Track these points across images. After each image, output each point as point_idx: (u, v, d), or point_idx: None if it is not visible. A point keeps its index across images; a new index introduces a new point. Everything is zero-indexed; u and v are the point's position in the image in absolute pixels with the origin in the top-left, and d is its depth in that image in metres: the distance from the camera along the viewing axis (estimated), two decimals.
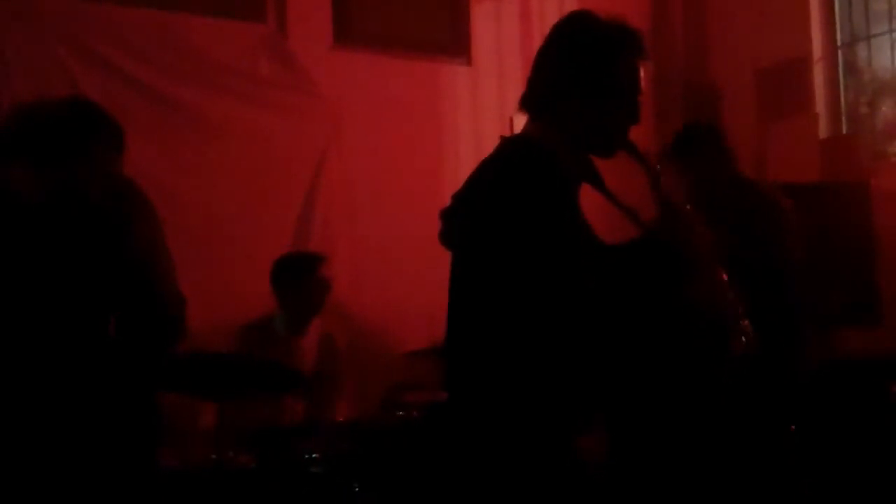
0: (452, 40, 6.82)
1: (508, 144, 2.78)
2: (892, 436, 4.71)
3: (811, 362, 4.56)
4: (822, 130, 6.68)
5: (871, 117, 6.73)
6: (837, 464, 4.53)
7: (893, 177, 6.17)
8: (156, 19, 5.76)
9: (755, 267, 4.38)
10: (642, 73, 2.76)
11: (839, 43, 6.80)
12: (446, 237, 2.77)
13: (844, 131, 6.76)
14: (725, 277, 2.82)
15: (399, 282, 6.09)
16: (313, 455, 4.41)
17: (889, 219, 5.89)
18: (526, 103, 2.80)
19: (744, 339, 2.85)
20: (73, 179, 3.14)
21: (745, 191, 4.65)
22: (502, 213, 2.56)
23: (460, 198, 2.73)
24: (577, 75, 2.70)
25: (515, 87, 6.87)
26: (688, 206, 2.77)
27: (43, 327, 3.04)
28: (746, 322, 2.85)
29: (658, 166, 2.80)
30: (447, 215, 2.77)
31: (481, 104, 6.72)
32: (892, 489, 4.65)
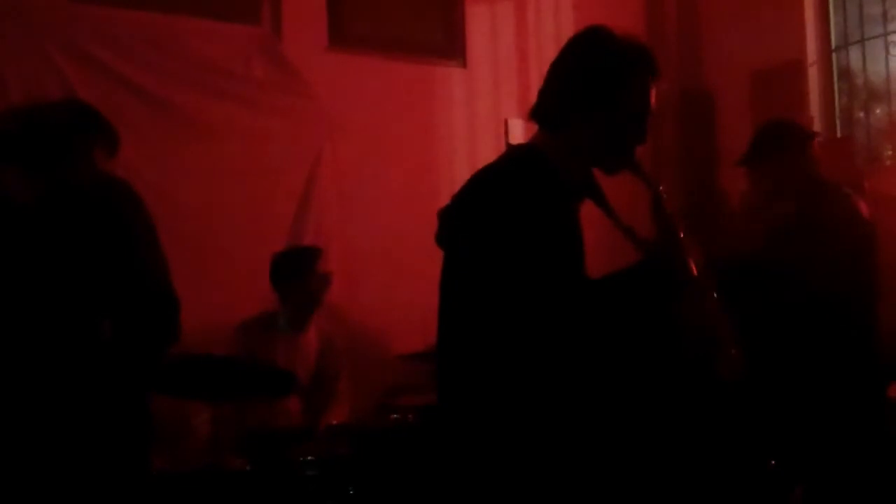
0: (447, 42, 6.82)
1: (514, 152, 2.79)
2: (889, 439, 4.71)
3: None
4: None
5: (864, 120, 6.74)
6: (833, 468, 4.52)
7: (887, 180, 6.18)
8: (150, 21, 5.75)
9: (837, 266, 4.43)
10: (654, 94, 2.77)
11: (833, 46, 6.82)
12: (442, 238, 2.77)
13: (838, 134, 6.77)
14: (718, 303, 2.83)
15: (394, 284, 6.08)
16: (308, 458, 4.40)
17: (882, 222, 5.88)
18: (536, 114, 2.80)
19: (734, 365, 2.85)
20: (67, 181, 3.14)
21: (831, 196, 4.68)
22: (499, 219, 2.57)
23: (459, 199, 2.73)
24: (590, 91, 2.70)
25: (510, 90, 6.96)
26: (683, 230, 2.77)
27: (36, 328, 3.04)
28: (737, 349, 2.85)
29: (661, 187, 2.81)
30: (445, 216, 2.77)
31: (476, 106, 6.71)
32: (890, 493, 4.65)
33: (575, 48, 2.79)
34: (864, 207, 4.73)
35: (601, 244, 2.80)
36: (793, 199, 4.68)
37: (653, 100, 2.76)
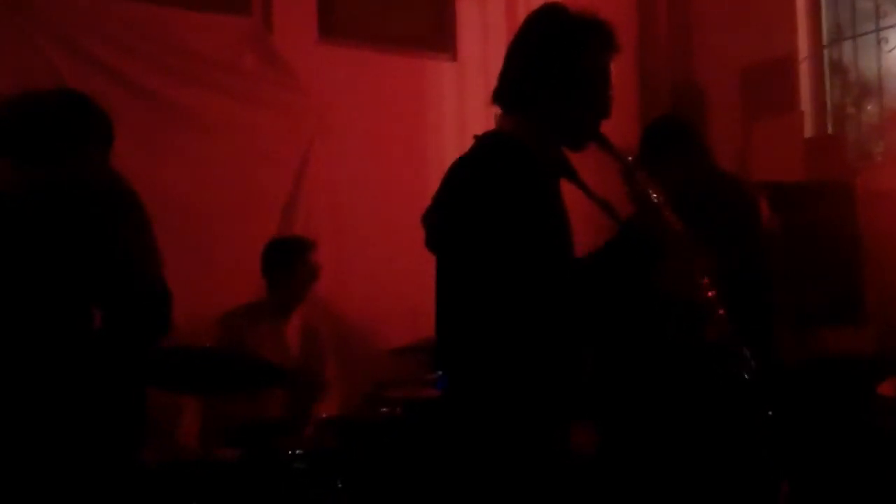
0: (438, 35, 6.82)
1: (482, 142, 2.77)
2: (878, 436, 4.72)
3: (786, 361, 4.53)
4: (808, 129, 6.69)
5: (856, 116, 6.75)
6: (822, 464, 4.53)
7: (878, 176, 6.18)
8: (140, 12, 5.73)
9: (731, 266, 4.35)
10: (613, 67, 2.76)
11: (825, 42, 6.81)
12: (432, 241, 2.75)
13: (830, 130, 6.77)
14: (701, 265, 2.83)
15: (383, 277, 6.07)
16: (297, 451, 4.39)
17: (874, 218, 5.89)
18: (498, 97, 2.80)
19: (718, 326, 2.86)
20: (63, 173, 3.12)
21: (721, 189, 4.57)
22: (481, 212, 2.56)
23: (438, 200, 2.72)
24: (547, 68, 2.70)
25: None
26: (659, 197, 2.76)
27: (28, 321, 3.02)
28: (722, 311, 2.86)
29: (630, 158, 2.80)
30: (428, 219, 2.75)
31: (466, 99, 6.70)
32: (878, 489, 4.66)
33: (529, 28, 2.80)
34: (754, 191, 4.61)
35: (577, 221, 2.79)
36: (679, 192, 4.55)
37: (612, 72, 2.76)
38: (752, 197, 4.55)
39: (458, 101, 6.73)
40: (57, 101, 3.25)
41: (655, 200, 2.72)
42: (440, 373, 2.83)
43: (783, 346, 4.56)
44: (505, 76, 2.80)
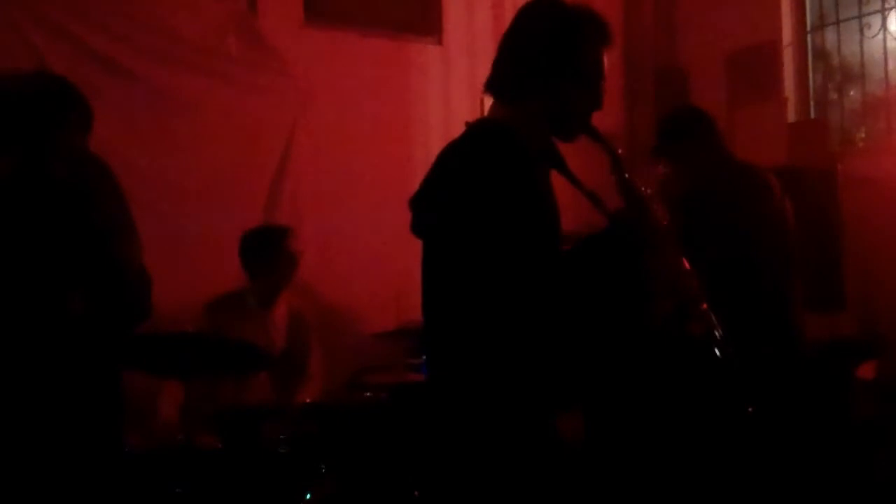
0: (423, 19, 6.80)
1: (474, 129, 2.77)
2: (856, 420, 4.74)
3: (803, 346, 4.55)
4: (791, 115, 6.71)
5: (839, 102, 6.77)
6: (800, 448, 4.55)
7: (860, 162, 6.21)
8: None
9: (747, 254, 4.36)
10: (606, 60, 2.77)
11: (809, 27, 6.83)
12: (418, 226, 2.75)
13: (812, 116, 6.79)
14: (685, 261, 2.85)
15: (366, 261, 6.07)
16: (280, 436, 4.40)
17: (855, 204, 5.92)
18: (491, 86, 2.81)
19: (702, 320, 2.88)
20: (41, 156, 3.11)
21: (743, 176, 4.59)
22: (471, 198, 2.56)
23: (427, 185, 2.72)
24: (542, 59, 2.72)
25: (487, 67, 6.84)
26: (647, 191, 2.78)
27: (7, 304, 3.02)
28: (705, 305, 2.87)
29: (619, 150, 2.82)
30: (416, 203, 2.75)
31: (452, 84, 6.69)
32: (856, 474, 4.69)
33: (525, 18, 2.81)
34: (775, 186, 4.64)
35: (565, 212, 2.81)
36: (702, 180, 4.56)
37: (605, 66, 2.77)
38: (769, 185, 4.58)
39: (444, 84, 6.72)
40: (34, 86, 3.24)
41: (643, 193, 2.74)
42: (425, 357, 2.81)
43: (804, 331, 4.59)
44: (500, 66, 2.80)
